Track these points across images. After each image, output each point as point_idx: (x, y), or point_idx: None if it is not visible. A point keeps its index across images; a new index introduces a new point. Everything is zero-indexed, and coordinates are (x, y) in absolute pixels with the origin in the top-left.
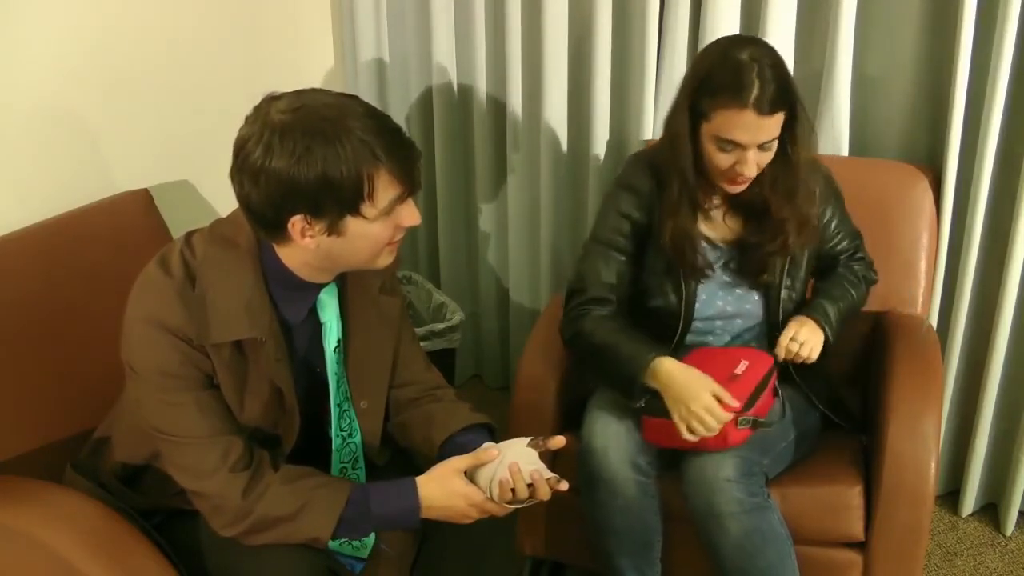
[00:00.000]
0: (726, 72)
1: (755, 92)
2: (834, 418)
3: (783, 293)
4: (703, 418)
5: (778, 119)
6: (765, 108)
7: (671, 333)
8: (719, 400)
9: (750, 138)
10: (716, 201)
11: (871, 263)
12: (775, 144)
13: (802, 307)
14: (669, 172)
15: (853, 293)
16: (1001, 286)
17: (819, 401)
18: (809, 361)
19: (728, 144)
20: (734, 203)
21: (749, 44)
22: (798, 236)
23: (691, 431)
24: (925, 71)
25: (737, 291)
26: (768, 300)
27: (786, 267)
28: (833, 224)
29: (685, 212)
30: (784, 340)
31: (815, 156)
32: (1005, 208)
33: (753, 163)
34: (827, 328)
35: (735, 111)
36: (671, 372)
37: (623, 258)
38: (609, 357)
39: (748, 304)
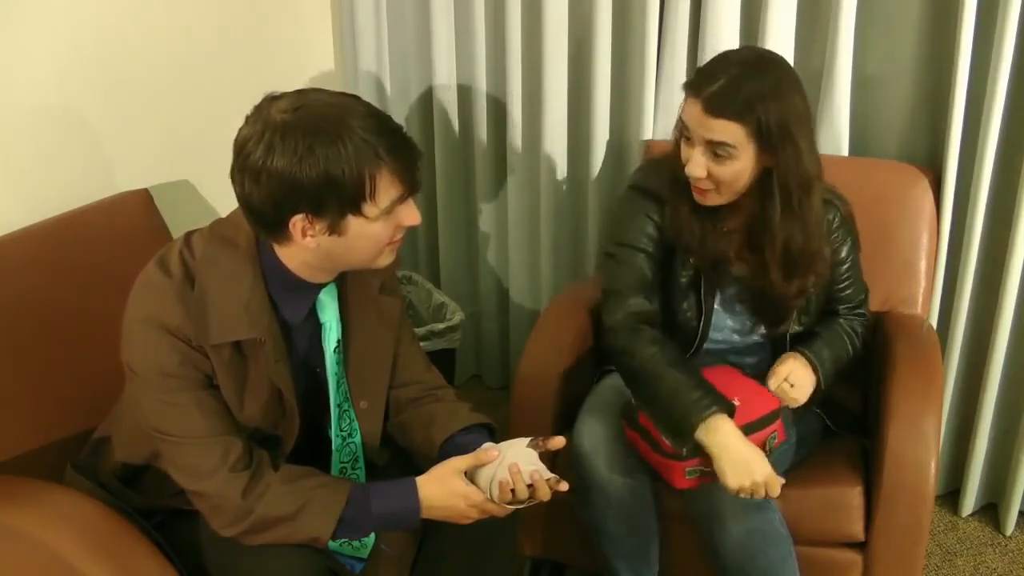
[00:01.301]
0: (712, 61)
1: (713, 88)
2: (833, 427)
3: (791, 328)
4: (759, 489)
5: (729, 128)
6: (712, 107)
7: (690, 344)
8: None
9: (695, 129)
10: (732, 225)
11: (870, 323)
12: (735, 160)
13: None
14: (677, 163)
15: (850, 349)
16: (1001, 286)
17: (818, 407)
18: (794, 406)
19: (685, 129)
20: (749, 238)
21: (756, 51)
22: (800, 282)
23: (739, 491)
24: (925, 71)
25: (747, 323)
26: (776, 336)
27: (794, 316)
28: (845, 266)
29: (685, 202)
30: (779, 379)
31: (828, 192)
32: (1005, 208)
33: (698, 163)
34: (821, 377)
35: (691, 97)
36: (729, 438)
37: (650, 260)
38: (665, 393)
39: (756, 336)
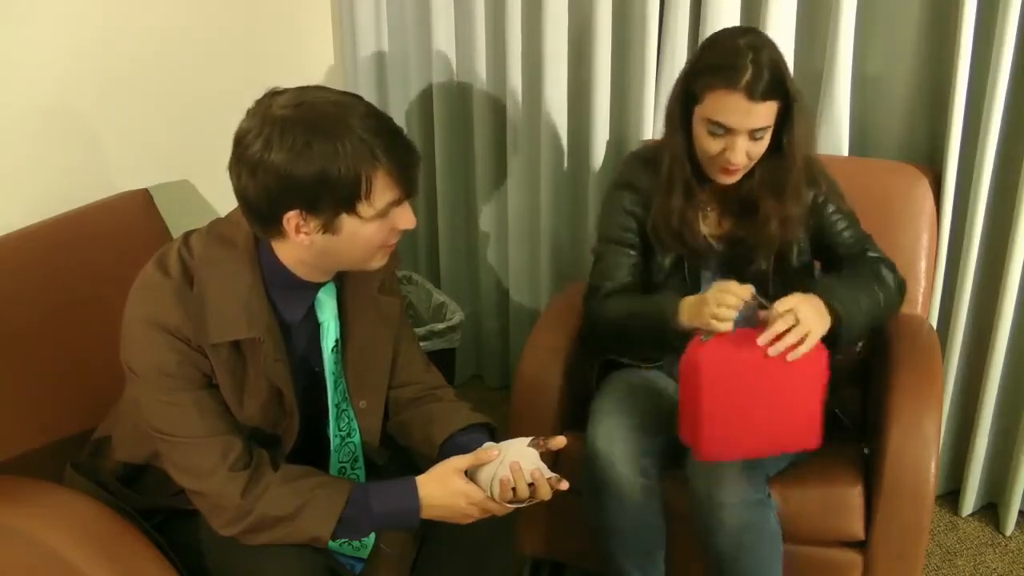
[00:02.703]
0: (721, 55)
1: (747, 76)
2: (841, 419)
3: (771, 289)
4: (725, 299)
5: (769, 107)
6: (756, 93)
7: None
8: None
9: (739, 122)
10: (711, 199)
11: (891, 265)
12: (767, 135)
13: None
14: (663, 157)
15: (876, 289)
16: (1001, 286)
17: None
18: (803, 345)
19: (718, 127)
20: (729, 202)
21: (749, 33)
22: (780, 229)
23: (719, 318)
24: (925, 71)
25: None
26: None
27: (771, 260)
28: (830, 209)
29: (678, 194)
30: (781, 307)
31: (813, 156)
32: (1005, 208)
33: (742, 150)
34: (838, 307)
35: (725, 92)
36: (688, 302)
37: (635, 253)
38: (636, 323)
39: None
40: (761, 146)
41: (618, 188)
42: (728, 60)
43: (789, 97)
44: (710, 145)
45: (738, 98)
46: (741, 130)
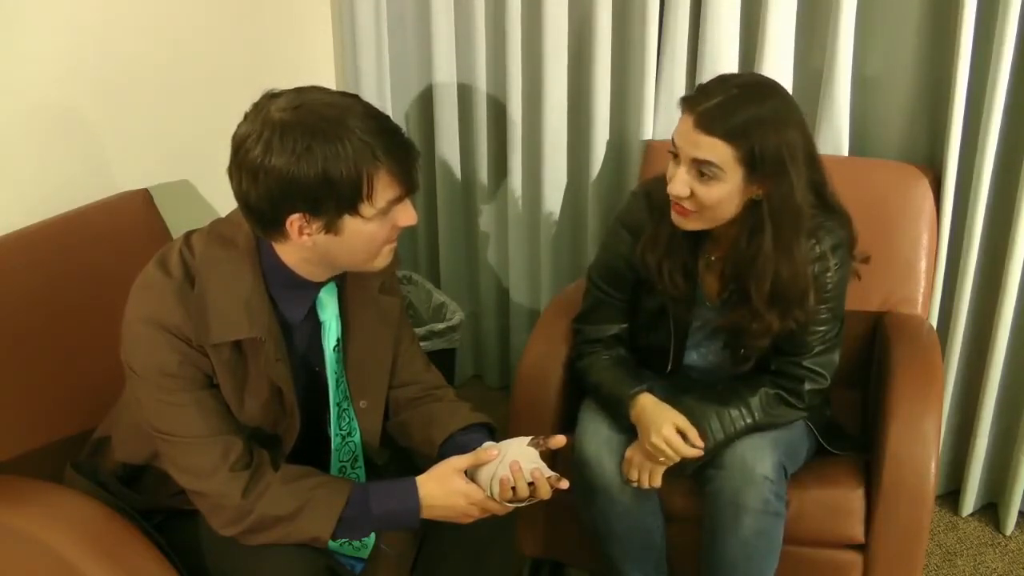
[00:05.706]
0: (709, 82)
1: (708, 104)
2: (829, 447)
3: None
4: (662, 449)
5: (717, 147)
6: (703, 123)
7: (662, 368)
8: (684, 435)
9: (682, 145)
10: (717, 258)
11: (819, 373)
12: (719, 180)
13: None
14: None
15: (746, 422)
16: (1001, 286)
17: (815, 426)
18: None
19: (673, 146)
20: (727, 263)
21: (755, 76)
22: (781, 321)
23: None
24: (925, 71)
25: (714, 355)
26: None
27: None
28: (822, 308)
29: (666, 228)
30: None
31: (831, 211)
32: (1005, 208)
33: (681, 180)
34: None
35: (685, 112)
36: (643, 407)
37: (621, 296)
38: (601, 394)
39: (724, 366)
40: (710, 192)
41: (618, 226)
42: (709, 85)
43: (754, 154)
44: (668, 168)
45: (688, 121)
46: (683, 157)
